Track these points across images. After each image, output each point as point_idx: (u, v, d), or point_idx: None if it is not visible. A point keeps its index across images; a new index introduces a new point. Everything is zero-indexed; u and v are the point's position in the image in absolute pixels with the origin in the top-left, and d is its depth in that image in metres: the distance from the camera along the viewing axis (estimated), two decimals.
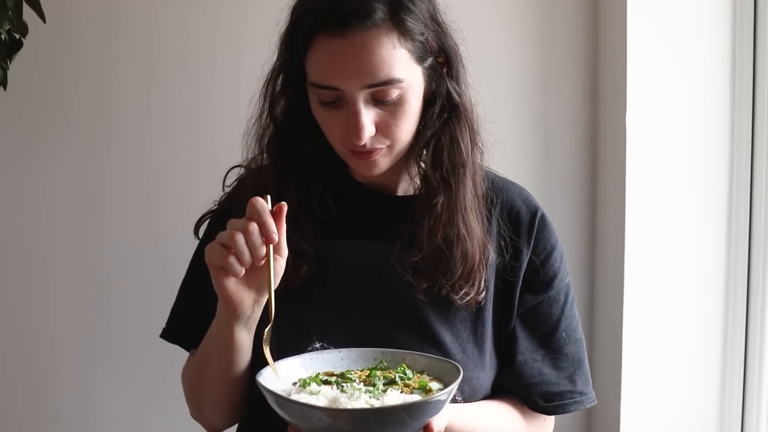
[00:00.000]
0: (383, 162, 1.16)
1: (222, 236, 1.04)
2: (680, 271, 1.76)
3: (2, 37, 1.53)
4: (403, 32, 1.09)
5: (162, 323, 1.30)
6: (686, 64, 1.73)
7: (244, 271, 1.04)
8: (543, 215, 1.27)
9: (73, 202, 1.81)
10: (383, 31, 1.07)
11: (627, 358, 1.73)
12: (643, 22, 1.70)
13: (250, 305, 1.08)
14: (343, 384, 1.02)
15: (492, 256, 1.21)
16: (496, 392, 1.24)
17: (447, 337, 1.18)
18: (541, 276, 1.24)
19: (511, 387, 1.24)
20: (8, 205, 1.80)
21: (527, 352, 1.23)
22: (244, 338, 1.12)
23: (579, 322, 1.29)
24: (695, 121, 1.74)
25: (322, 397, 0.98)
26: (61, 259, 1.82)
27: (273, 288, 1.05)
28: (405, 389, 1.01)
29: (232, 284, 1.06)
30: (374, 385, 1.01)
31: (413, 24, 1.10)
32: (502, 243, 1.23)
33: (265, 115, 1.21)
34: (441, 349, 1.17)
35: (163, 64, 1.78)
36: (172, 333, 1.29)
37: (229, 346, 1.11)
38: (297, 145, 1.20)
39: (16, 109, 1.76)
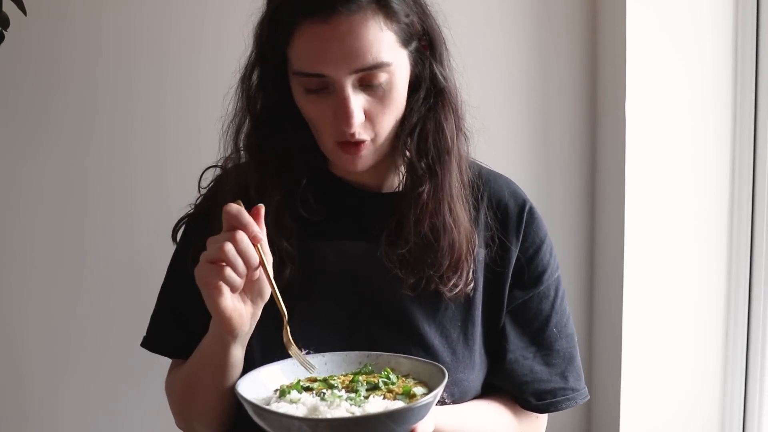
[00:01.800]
0: (368, 156, 1.13)
1: (209, 254, 0.99)
2: (681, 264, 1.72)
3: None
4: (389, 14, 1.07)
5: (143, 323, 1.28)
6: (686, 50, 1.68)
7: (243, 284, 1.00)
8: (531, 208, 1.24)
9: (54, 198, 1.77)
10: (369, 14, 1.05)
11: (627, 355, 1.70)
12: (642, 8, 1.66)
13: (247, 320, 1.05)
14: (323, 391, 1.00)
15: (480, 251, 1.19)
16: (487, 391, 1.22)
17: (436, 339, 1.16)
18: (531, 271, 1.22)
19: (502, 386, 1.22)
20: None
21: (518, 349, 1.21)
22: (239, 354, 1.09)
23: (570, 317, 1.26)
24: (696, 109, 1.69)
25: (301, 405, 0.96)
26: (39, 255, 1.78)
27: (275, 285, 1.02)
28: (388, 395, 0.99)
29: (229, 302, 1.01)
30: (356, 392, 0.99)
31: (398, 5, 1.08)
32: (489, 234, 1.20)
33: (244, 110, 1.18)
34: (429, 351, 1.15)
35: (147, 57, 1.74)
36: (153, 342, 1.26)
37: (224, 364, 1.08)
38: (279, 139, 1.17)
39: None
